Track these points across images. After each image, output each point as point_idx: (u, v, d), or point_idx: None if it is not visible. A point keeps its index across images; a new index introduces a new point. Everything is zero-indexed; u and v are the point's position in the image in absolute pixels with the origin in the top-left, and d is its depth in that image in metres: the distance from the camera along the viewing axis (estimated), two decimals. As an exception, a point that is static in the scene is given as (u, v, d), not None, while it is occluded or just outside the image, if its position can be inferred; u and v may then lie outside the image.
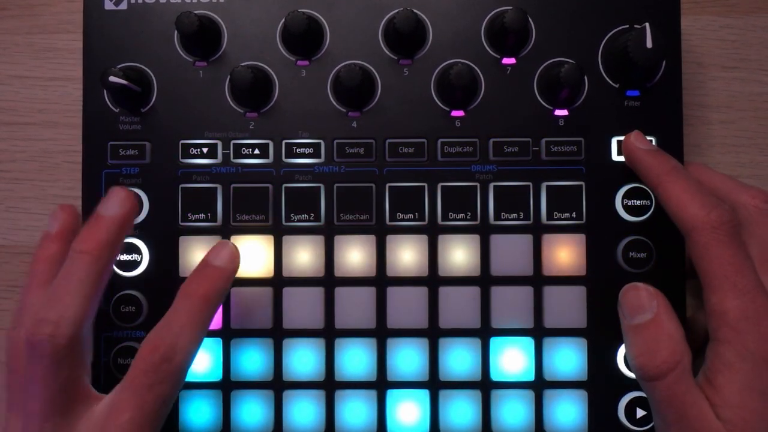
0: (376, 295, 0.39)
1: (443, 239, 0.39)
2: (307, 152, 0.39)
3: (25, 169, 0.45)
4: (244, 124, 0.39)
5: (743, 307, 0.32)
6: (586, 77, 0.39)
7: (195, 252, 0.39)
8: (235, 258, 0.36)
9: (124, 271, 0.39)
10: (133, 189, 0.39)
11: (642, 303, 0.34)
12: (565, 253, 0.39)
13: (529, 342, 0.39)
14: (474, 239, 0.39)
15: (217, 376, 0.39)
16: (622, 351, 0.38)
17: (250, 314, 0.39)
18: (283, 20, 0.39)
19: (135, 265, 0.39)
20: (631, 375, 0.38)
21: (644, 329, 0.33)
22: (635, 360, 0.33)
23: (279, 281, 0.39)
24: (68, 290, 0.33)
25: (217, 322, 0.39)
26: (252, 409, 0.39)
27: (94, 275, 0.33)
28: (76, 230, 0.36)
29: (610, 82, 0.39)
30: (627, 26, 0.39)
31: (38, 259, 0.35)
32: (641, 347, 0.33)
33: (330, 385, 0.39)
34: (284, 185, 0.39)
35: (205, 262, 0.35)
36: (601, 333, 0.38)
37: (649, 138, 0.39)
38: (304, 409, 0.39)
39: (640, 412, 0.38)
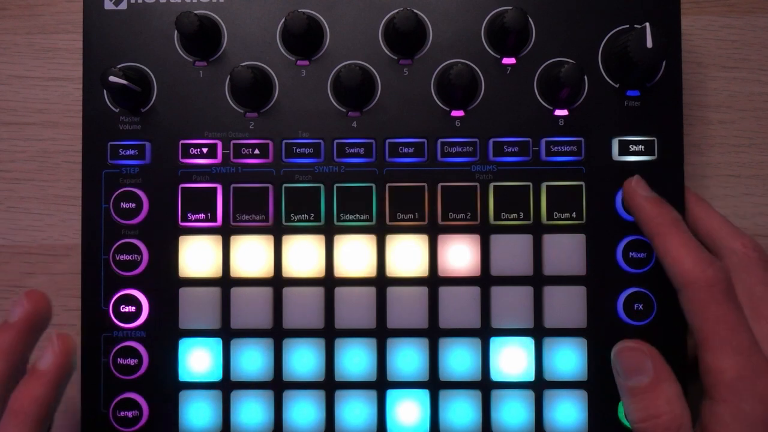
0: (376, 295, 0.39)
1: (443, 239, 0.39)
2: (307, 152, 0.39)
3: (25, 169, 0.45)
4: (244, 124, 0.39)
5: (739, 367, 0.32)
6: (586, 77, 0.39)
7: (195, 252, 0.39)
8: (60, 355, 0.33)
9: (124, 271, 0.39)
10: (132, 189, 0.39)
11: (638, 364, 0.34)
12: (565, 253, 0.39)
13: (529, 342, 0.39)
14: (474, 239, 0.39)
15: (217, 376, 0.39)
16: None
17: (250, 314, 0.39)
18: (283, 20, 0.39)
19: (135, 265, 0.39)
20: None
21: (642, 393, 0.33)
22: (636, 425, 0.33)
23: (279, 281, 0.39)
24: None
25: (216, 322, 0.39)
26: (252, 409, 0.39)
27: None
28: (41, 319, 0.34)
29: (610, 82, 0.39)
30: (627, 26, 0.39)
31: None
32: (641, 413, 0.33)
33: (330, 385, 0.39)
34: (284, 185, 0.39)
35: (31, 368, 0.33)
36: (601, 333, 0.38)
37: (649, 138, 0.39)
38: (304, 409, 0.39)
39: (640, 412, 0.38)
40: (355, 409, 0.39)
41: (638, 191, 0.37)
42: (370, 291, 0.39)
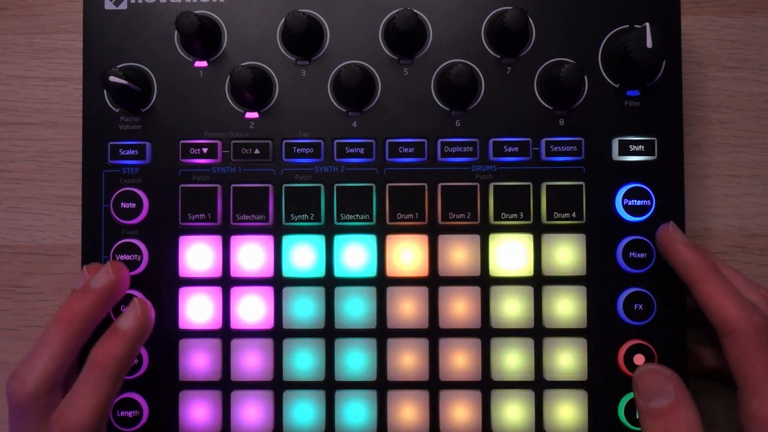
0: (377, 295, 0.39)
1: (443, 239, 0.39)
2: (307, 152, 0.39)
3: (25, 169, 0.45)
4: (244, 124, 0.39)
5: None
6: (586, 77, 0.39)
7: (195, 252, 0.39)
8: (140, 318, 0.36)
9: (124, 271, 0.39)
10: (132, 189, 0.39)
11: (659, 387, 0.34)
12: (565, 253, 0.39)
13: (529, 342, 0.39)
14: (474, 239, 0.39)
15: (217, 376, 0.39)
16: (622, 351, 0.38)
17: (250, 314, 0.39)
18: (283, 20, 0.39)
19: (135, 265, 0.39)
20: (631, 374, 0.38)
21: (662, 415, 0.33)
22: None
23: (279, 281, 0.39)
24: (38, 352, 0.35)
25: (217, 322, 0.39)
26: (252, 409, 0.39)
27: (63, 341, 0.35)
28: (120, 291, 0.37)
29: (610, 82, 0.39)
30: (627, 26, 0.39)
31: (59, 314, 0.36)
32: None
33: (330, 385, 0.39)
34: (284, 185, 0.39)
35: (112, 327, 0.36)
36: (601, 333, 0.38)
37: (649, 138, 0.39)
38: (304, 409, 0.39)
39: (640, 412, 0.38)
40: (355, 409, 0.39)
41: (677, 237, 0.37)
42: (370, 291, 0.39)
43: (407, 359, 0.39)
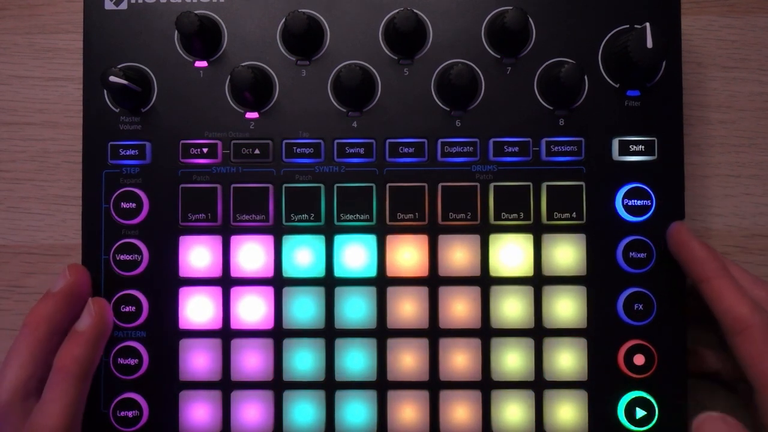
0: (377, 295, 0.39)
1: (443, 239, 0.39)
2: (307, 152, 0.39)
3: (25, 169, 0.45)
4: (244, 124, 0.39)
5: None
6: (586, 77, 0.39)
7: (195, 252, 0.39)
8: (95, 317, 0.37)
9: (124, 271, 0.39)
10: (132, 189, 0.39)
11: None
12: (565, 253, 0.39)
13: (529, 342, 0.39)
14: (474, 239, 0.39)
15: (217, 376, 0.39)
16: (622, 351, 0.38)
17: (250, 314, 0.39)
18: (284, 20, 0.39)
19: (135, 265, 0.39)
20: (631, 374, 0.38)
21: None
22: None
23: (279, 281, 0.39)
24: (8, 361, 0.36)
25: (217, 322, 0.39)
26: (252, 409, 0.39)
27: (30, 347, 0.36)
28: (79, 291, 0.38)
29: (610, 82, 0.39)
30: (627, 26, 0.39)
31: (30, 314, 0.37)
32: None
33: (330, 385, 0.39)
34: (284, 185, 0.39)
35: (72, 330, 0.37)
36: (601, 333, 0.39)
37: (649, 138, 0.39)
38: (304, 409, 0.39)
39: (640, 412, 0.38)
40: (355, 409, 0.39)
41: (689, 235, 0.37)
42: (370, 291, 0.39)
43: (407, 359, 0.39)
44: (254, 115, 0.39)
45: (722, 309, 0.35)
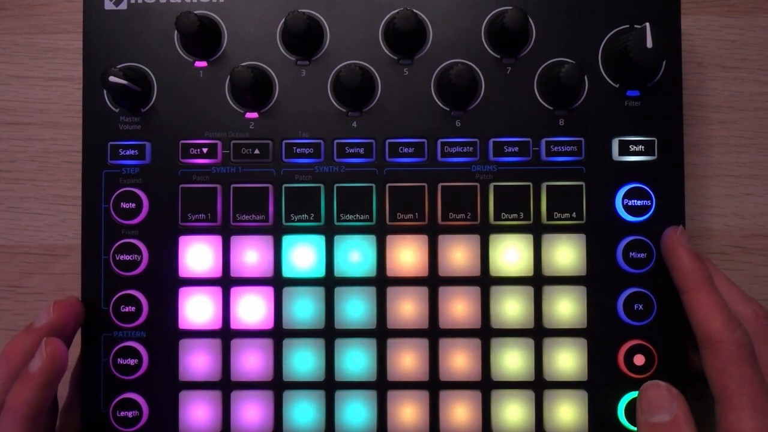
0: (377, 295, 0.39)
1: (443, 239, 0.39)
2: (307, 152, 0.39)
3: (25, 169, 0.45)
4: (244, 124, 0.39)
5: (760, 428, 0.32)
6: (586, 77, 0.39)
7: (195, 252, 0.39)
8: (46, 359, 0.35)
9: (124, 271, 0.39)
10: (132, 189, 0.39)
11: (662, 402, 0.34)
12: (565, 254, 0.39)
13: (529, 342, 0.39)
14: (474, 239, 0.39)
15: (217, 376, 0.39)
16: (622, 352, 0.38)
17: (250, 314, 0.39)
18: (283, 20, 0.39)
19: (135, 265, 0.39)
20: (631, 374, 0.38)
21: (661, 430, 0.33)
22: None
23: (279, 281, 0.39)
24: None
25: (217, 322, 0.39)
26: (252, 410, 0.39)
27: (2, 377, 0.35)
28: (69, 326, 0.37)
29: (610, 82, 0.39)
30: (627, 26, 0.39)
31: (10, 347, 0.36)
32: None
33: (330, 385, 0.39)
34: (284, 185, 0.39)
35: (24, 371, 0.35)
36: (601, 333, 0.38)
37: (649, 138, 0.39)
38: (304, 409, 0.39)
39: (640, 412, 0.38)
40: (355, 409, 0.39)
41: (681, 242, 0.37)
42: (370, 291, 0.39)
43: (407, 359, 0.39)
44: (254, 115, 0.39)
45: (695, 322, 0.36)
